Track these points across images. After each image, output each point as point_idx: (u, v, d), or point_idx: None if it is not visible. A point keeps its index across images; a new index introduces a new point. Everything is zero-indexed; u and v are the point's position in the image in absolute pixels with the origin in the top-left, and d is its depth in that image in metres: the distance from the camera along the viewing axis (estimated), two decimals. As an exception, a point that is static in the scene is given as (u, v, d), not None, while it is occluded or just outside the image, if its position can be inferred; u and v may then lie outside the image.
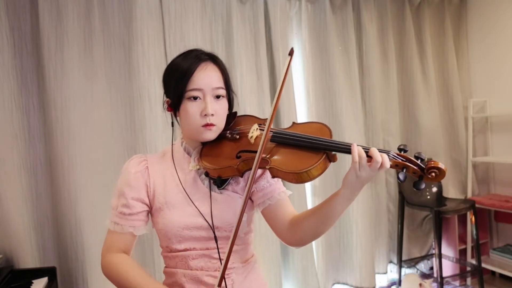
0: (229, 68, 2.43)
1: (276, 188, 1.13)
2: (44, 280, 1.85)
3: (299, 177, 0.94)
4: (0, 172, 1.98)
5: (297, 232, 1.08)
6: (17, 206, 2.00)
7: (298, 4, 2.75)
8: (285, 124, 2.58)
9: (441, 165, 0.90)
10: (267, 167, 0.99)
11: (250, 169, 1.00)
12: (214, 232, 1.06)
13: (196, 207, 1.07)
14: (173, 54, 2.29)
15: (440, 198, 3.09)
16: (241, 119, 1.18)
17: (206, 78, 1.05)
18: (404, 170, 0.92)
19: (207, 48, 2.65)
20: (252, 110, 2.48)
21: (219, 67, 1.10)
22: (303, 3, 2.73)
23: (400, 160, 0.92)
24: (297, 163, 0.96)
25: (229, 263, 1.08)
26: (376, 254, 2.99)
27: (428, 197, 3.09)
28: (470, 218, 2.96)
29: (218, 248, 1.08)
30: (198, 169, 1.12)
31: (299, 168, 0.94)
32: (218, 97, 1.07)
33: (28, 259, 1.99)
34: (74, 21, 2.12)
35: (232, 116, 1.16)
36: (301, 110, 2.78)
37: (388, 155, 0.92)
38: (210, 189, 1.10)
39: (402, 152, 0.94)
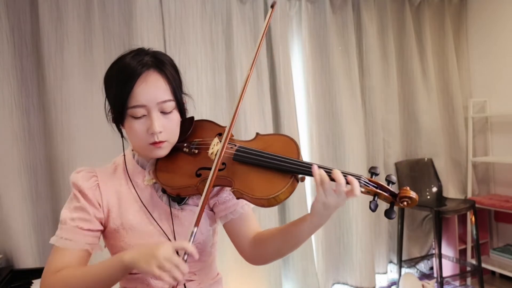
0: (229, 68, 2.45)
1: (239, 201, 1.02)
2: (44, 280, 1.85)
3: (267, 202, 0.88)
4: (0, 172, 1.98)
5: (260, 250, 0.99)
6: (17, 206, 2.01)
7: (298, 4, 2.75)
8: (285, 125, 2.57)
9: (413, 194, 0.84)
10: (231, 190, 0.91)
11: (212, 188, 0.91)
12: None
13: (159, 226, 0.96)
14: (173, 54, 2.29)
15: (440, 198, 3.09)
16: (199, 126, 1.05)
17: (148, 93, 0.90)
18: (376, 198, 0.85)
19: (207, 48, 2.64)
20: (252, 110, 2.48)
21: (164, 75, 0.94)
22: (303, 3, 2.73)
23: (372, 187, 0.85)
24: (264, 188, 0.88)
25: (196, 284, 1.02)
26: (376, 254, 2.99)
27: (428, 197, 3.09)
28: (470, 218, 2.96)
29: None
30: (155, 183, 1.00)
31: (266, 193, 0.87)
32: (165, 111, 0.94)
33: (28, 259, 1.99)
34: (74, 21, 2.12)
35: (188, 122, 1.03)
36: (301, 110, 2.78)
37: (359, 181, 0.84)
38: (170, 206, 0.99)
39: (374, 177, 0.88)
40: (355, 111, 2.84)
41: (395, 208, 0.87)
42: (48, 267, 0.92)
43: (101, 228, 0.98)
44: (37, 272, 1.89)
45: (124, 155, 1.04)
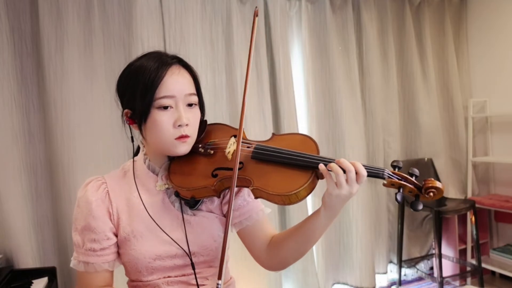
0: (229, 68, 2.46)
1: (253, 207, 1.01)
2: (44, 280, 1.85)
3: (288, 199, 0.86)
4: (0, 172, 1.98)
5: (277, 255, 0.98)
6: (17, 206, 2.00)
7: (298, 4, 2.75)
8: (285, 125, 2.57)
9: (439, 184, 0.85)
10: (250, 188, 0.89)
11: (228, 188, 0.88)
12: (191, 260, 0.95)
13: (168, 235, 0.94)
14: (173, 54, 2.28)
15: (440, 198, 3.08)
16: (212, 129, 1.05)
17: (178, 83, 0.92)
18: (401, 190, 0.86)
19: (207, 48, 2.65)
20: (252, 110, 2.48)
21: (190, 71, 0.97)
22: (303, 3, 2.73)
23: (396, 179, 0.86)
24: (284, 184, 0.86)
25: None
26: (376, 254, 2.99)
27: (428, 197, 3.09)
28: (470, 218, 2.96)
29: (195, 276, 0.96)
30: (167, 188, 0.98)
31: (287, 189, 0.85)
32: (190, 105, 0.94)
33: (28, 259, 1.99)
34: (74, 21, 2.12)
35: (202, 125, 1.02)
36: (301, 110, 2.78)
37: (383, 174, 0.85)
38: (182, 211, 0.97)
39: (397, 170, 0.88)
40: (355, 111, 2.84)
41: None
42: None
43: (115, 239, 0.97)
44: (37, 272, 1.89)
45: (134, 161, 1.02)
